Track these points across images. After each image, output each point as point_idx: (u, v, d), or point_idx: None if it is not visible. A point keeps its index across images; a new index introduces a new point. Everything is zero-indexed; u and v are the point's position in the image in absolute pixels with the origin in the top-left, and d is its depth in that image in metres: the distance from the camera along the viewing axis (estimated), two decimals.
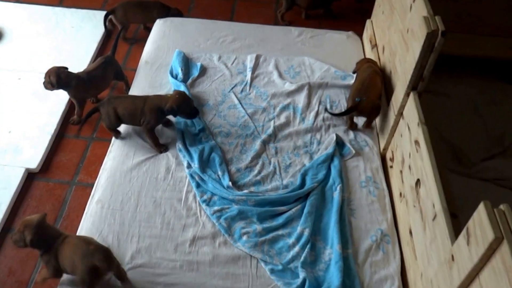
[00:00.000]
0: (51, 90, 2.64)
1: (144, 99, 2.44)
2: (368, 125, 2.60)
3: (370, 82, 2.52)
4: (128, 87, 2.89)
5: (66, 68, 2.64)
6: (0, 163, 2.49)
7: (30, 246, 1.85)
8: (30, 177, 2.50)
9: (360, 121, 2.62)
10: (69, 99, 2.83)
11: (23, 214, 2.35)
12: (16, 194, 2.39)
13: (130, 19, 3.27)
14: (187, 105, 2.40)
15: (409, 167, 2.13)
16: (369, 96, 2.47)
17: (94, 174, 2.50)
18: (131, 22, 3.31)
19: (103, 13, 3.46)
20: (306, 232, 2.12)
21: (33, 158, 2.53)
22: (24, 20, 3.35)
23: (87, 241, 1.87)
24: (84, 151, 2.66)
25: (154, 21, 3.25)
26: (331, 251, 2.08)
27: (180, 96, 2.40)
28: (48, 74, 2.59)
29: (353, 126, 2.60)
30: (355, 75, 2.72)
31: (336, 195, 2.27)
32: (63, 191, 2.47)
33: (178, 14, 3.36)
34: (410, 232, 2.04)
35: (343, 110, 2.62)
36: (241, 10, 3.71)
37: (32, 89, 2.86)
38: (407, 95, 2.25)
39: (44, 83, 2.61)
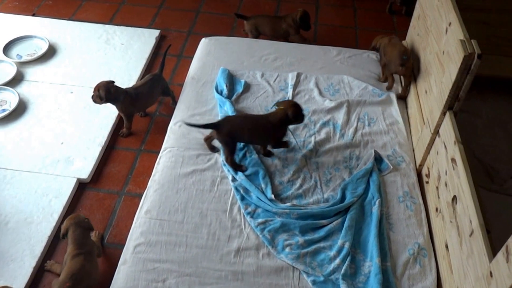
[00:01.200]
0: (100, 103, 2.74)
1: (265, 117, 2.47)
2: (405, 90, 2.88)
3: (403, 46, 2.86)
4: (174, 102, 2.97)
5: (114, 82, 2.73)
6: (53, 173, 2.59)
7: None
8: (81, 187, 2.60)
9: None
10: (119, 114, 2.93)
11: None
12: (67, 203, 2.48)
13: (260, 31, 3.46)
14: (301, 110, 2.47)
15: (445, 183, 2.14)
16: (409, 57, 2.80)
17: (142, 185, 2.58)
18: (260, 33, 3.47)
19: (151, 31, 3.61)
20: (347, 245, 2.14)
21: (84, 169, 2.63)
22: (76, 37, 3.50)
23: (72, 276, 1.98)
24: (133, 162, 2.75)
25: (282, 37, 3.45)
26: (371, 264, 2.09)
27: (294, 103, 2.46)
28: (98, 88, 2.68)
29: (391, 87, 2.93)
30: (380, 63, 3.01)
31: (375, 209, 2.28)
32: (112, 201, 2.55)
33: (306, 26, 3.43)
34: (446, 247, 2.04)
35: (382, 125, 2.68)
36: None
37: (84, 103, 2.98)
38: (443, 114, 2.27)
39: (93, 96, 2.71)
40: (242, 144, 2.59)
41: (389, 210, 2.31)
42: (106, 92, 2.66)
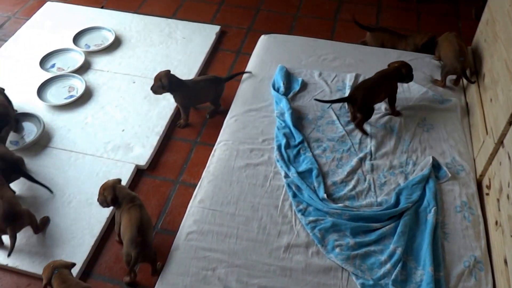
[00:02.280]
0: (160, 93, 2.82)
1: (383, 75, 2.72)
2: (457, 83, 2.94)
3: (459, 45, 2.87)
4: (214, 112, 2.99)
5: (170, 71, 2.80)
6: (113, 158, 2.69)
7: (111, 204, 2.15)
8: (139, 173, 2.68)
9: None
10: (176, 105, 3.01)
11: None
12: (126, 185, 2.57)
13: (384, 44, 3.30)
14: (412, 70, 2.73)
15: (508, 196, 2.06)
16: (465, 56, 2.82)
17: (197, 175, 2.64)
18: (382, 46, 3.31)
19: (212, 26, 3.67)
20: (398, 251, 2.10)
21: (143, 156, 2.71)
22: (140, 29, 3.61)
23: (138, 229, 2.04)
24: (188, 153, 2.81)
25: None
26: (423, 273, 2.05)
27: (407, 63, 2.74)
28: (159, 77, 2.75)
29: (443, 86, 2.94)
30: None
31: (430, 217, 2.23)
32: (167, 188, 2.62)
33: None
34: (505, 262, 1.96)
35: (442, 132, 2.63)
36: (341, 30, 3.75)
37: (145, 93, 3.07)
38: (509, 124, 2.18)
39: (153, 87, 2.79)
40: (297, 141, 2.60)
41: (445, 219, 2.25)
42: (168, 81, 2.73)
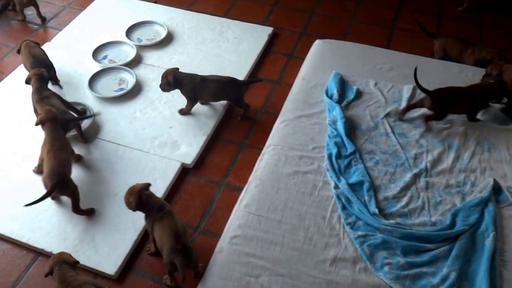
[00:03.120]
0: (168, 90, 2.90)
1: (473, 88, 2.72)
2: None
3: None
4: (244, 116, 2.98)
5: (178, 69, 2.87)
6: (160, 154, 2.72)
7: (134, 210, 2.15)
8: (184, 171, 2.70)
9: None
10: (226, 105, 3.02)
11: (174, 205, 2.53)
12: (170, 185, 2.59)
13: (448, 53, 3.23)
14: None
15: None
16: None
17: (242, 179, 2.64)
18: (447, 55, 3.25)
19: (264, 27, 3.68)
20: (453, 275, 2.04)
21: (189, 155, 2.73)
22: (192, 27, 3.65)
23: (176, 236, 2.03)
24: (234, 155, 2.81)
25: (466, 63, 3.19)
26: None
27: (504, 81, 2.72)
28: (166, 74, 2.83)
29: None
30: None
31: (488, 242, 2.15)
32: (212, 189, 2.63)
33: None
34: None
35: (504, 153, 2.54)
36: (398, 39, 3.68)
37: None
38: None
39: (161, 85, 2.86)
40: (349, 151, 2.57)
41: (505, 246, 2.17)
42: (173, 78, 2.80)
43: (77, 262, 2.06)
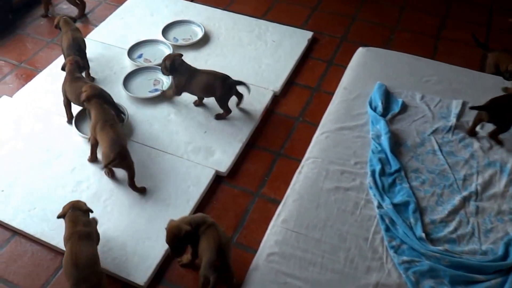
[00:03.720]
0: (166, 75, 2.92)
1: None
2: None
3: None
4: (220, 115, 2.89)
5: (181, 56, 2.87)
6: (193, 160, 2.64)
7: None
8: (217, 179, 2.62)
9: None
10: (263, 112, 2.93)
11: (207, 214, 2.45)
12: (204, 193, 2.52)
13: (500, 69, 3.02)
14: None
15: None
16: None
17: (278, 190, 2.55)
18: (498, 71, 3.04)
19: (304, 32, 3.58)
20: None
21: (223, 162, 2.65)
22: (230, 28, 3.57)
23: (219, 251, 1.96)
24: (270, 164, 2.72)
25: None
26: None
27: None
28: (165, 59, 2.83)
29: None
30: None
31: None
32: (246, 200, 2.54)
33: None
34: None
35: None
36: (445, 49, 3.54)
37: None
38: None
39: (161, 68, 2.88)
40: (393, 169, 2.45)
41: None
42: (170, 63, 2.80)
43: (91, 211, 2.16)
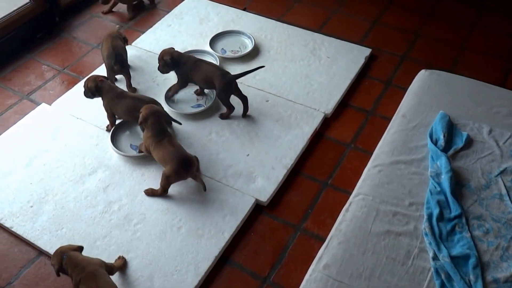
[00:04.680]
0: (167, 72, 2.85)
1: None
2: None
3: None
4: (226, 116, 2.85)
5: (174, 49, 2.85)
6: (233, 186, 2.50)
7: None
8: (257, 208, 2.46)
9: None
10: (311, 135, 2.76)
11: (243, 248, 2.30)
12: (241, 223, 2.36)
13: None
14: None
15: None
16: None
17: (322, 225, 2.38)
18: None
19: (361, 48, 3.37)
20: None
21: (265, 190, 2.49)
22: (282, 41, 3.40)
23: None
24: (316, 195, 2.54)
25: None
26: None
27: None
28: (162, 55, 2.78)
29: None
30: None
31: None
32: (286, 234, 2.37)
33: None
34: None
35: None
36: None
37: (278, 115, 2.86)
38: None
39: (159, 67, 2.82)
40: (453, 214, 2.22)
41: None
42: (170, 57, 2.75)
43: (82, 248, 2.05)
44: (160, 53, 2.81)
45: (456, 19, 3.71)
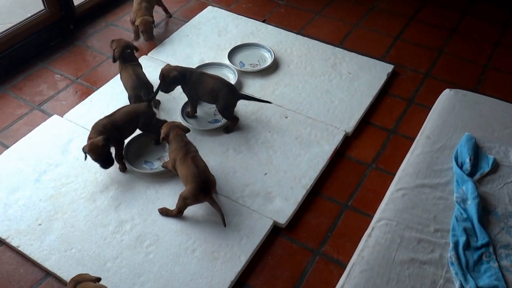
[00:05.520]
0: (172, 90, 2.79)
1: None
2: None
3: None
4: (230, 129, 2.83)
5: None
6: (250, 206, 2.45)
7: None
8: (274, 229, 2.42)
9: None
10: (331, 154, 2.71)
11: (259, 273, 2.25)
12: (258, 246, 2.32)
13: None
14: None
15: None
16: None
17: (342, 249, 2.33)
18: None
19: (384, 64, 3.33)
20: None
21: (283, 211, 2.44)
22: (303, 55, 3.37)
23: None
24: (336, 217, 2.49)
25: None
26: None
27: None
28: (168, 73, 2.70)
29: None
30: None
31: None
32: (305, 258, 2.32)
33: None
34: None
35: None
36: None
37: (297, 133, 2.82)
38: None
39: (165, 86, 2.74)
40: (480, 242, 2.16)
41: None
42: (179, 72, 2.69)
43: (99, 279, 1.95)
44: (162, 72, 2.72)
45: (480, 36, 3.66)
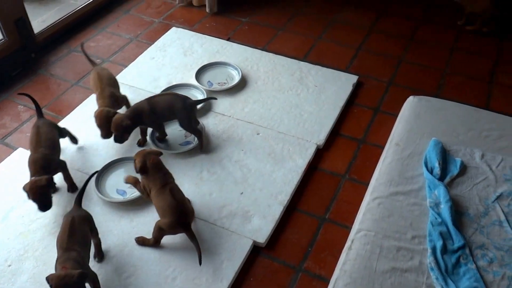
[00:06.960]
0: (127, 138, 2.63)
1: None
2: None
3: None
4: (200, 144, 2.77)
5: (116, 112, 2.62)
6: (228, 228, 2.40)
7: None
8: (254, 250, 2.37)
9: None
10: (305, 168, 2.70)
11: None
12: (239, 269, 2.27)
13: None
14: None
15: None
16: None
17: (323, 264, 2.31)
18: None
19: (348, 75, 3.36)
20: None
21: (262, 230, 2.40)
22: (269, 70, 3.36)
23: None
24: (314, 232, 2.47)
25: None
26: None
27: None
28: (119, 123, 2.54)
29: None
30: None
31: None
32: (287, 276, 2.28)
33: None
34: None
35: None
36: (499, 95, 3.28)
37: (270, 149, 2.80)
38: None
39: (118, 137, 2.59)
40: (456, 245, 2.17)
41: None
42: (129, 118, 2.56)
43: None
44: (113, 124, 2.53)
45: (436, 44, 3.75)
